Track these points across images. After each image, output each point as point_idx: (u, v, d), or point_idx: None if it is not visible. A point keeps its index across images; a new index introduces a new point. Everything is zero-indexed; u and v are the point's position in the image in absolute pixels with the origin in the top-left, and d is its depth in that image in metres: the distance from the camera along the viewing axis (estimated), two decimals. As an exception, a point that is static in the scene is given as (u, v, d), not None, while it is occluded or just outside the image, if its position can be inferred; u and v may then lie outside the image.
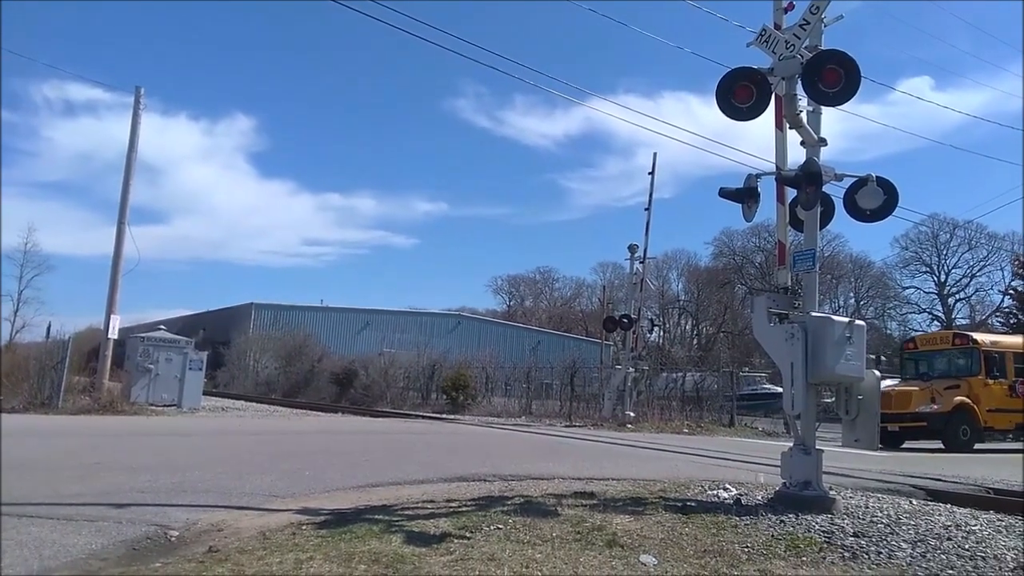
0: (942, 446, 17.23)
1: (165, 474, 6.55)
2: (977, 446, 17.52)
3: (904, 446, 17.62)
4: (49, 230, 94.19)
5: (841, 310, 50.87)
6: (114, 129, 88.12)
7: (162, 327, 22.72)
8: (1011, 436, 19.05)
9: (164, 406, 19.29)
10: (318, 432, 13.75)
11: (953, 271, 54.86)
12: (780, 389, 6.32)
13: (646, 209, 22.49)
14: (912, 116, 65.08)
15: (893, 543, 4.33)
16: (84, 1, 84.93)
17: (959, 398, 17.66)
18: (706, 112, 61.94)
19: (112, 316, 18.99)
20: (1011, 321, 33.73)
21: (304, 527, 4.43)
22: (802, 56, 5.59)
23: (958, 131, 61.50)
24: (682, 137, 55.77)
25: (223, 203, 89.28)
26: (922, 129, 75.44)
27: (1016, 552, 4.26)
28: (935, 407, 17.48)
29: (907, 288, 57.52)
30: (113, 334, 19.07)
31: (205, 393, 22.29)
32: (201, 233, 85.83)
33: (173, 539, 4.20)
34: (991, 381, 18.16)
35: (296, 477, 6.70)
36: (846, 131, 49.86)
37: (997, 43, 68.76)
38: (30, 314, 43.94)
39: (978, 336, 19.30)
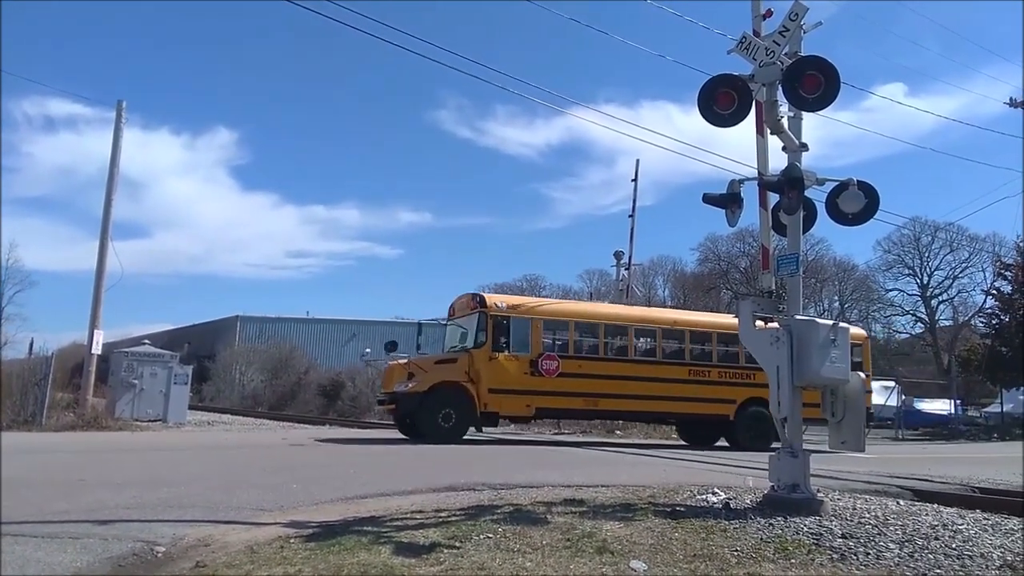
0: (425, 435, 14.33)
1: (151, 489, 6.48)
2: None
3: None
4: (31, 246, 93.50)
5: (826, 313, 51.11)
6: (95, 144, 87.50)
7: (146, 341, 22.57)
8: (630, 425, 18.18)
9: (149, 421, 19.12)
10: (305, 445, 13.66)
11: (936, 273, 55.34)
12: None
13: (630, 216, 22.68)
14: (887, 122, 65.88)
15: (881, 544, 4.35)
16: (62, 13, 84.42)
17: (443, 376, 14.64)
18: (686, 120, 62.36)
19: (96, 331, 18.83)
20: (993, 322, 34.03)
21: (292, 541, 4.39)
22: (782, 62, 5.64)
23: (932, 135, 62.26)
24: (663, 144, 55.94)
25: (206, 217, 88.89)
26: (898, 135, 76.37)
27: (1003, 550, 4.29)
28: (410, 385, 14.53)
29: (891, 291, 57.99)
30: (97, 349, 18.91)
31: (191, 407, 22.12)
32: (184, 247, 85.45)
33: (160, 555, 4.16)
34: (500, 355, 14.98)
35: (284, 490, 6.65)
36: (823, 138, 50.38)
37: (967, 45, 69.81)
38: (12, 331, 43.42)
39: (489, 297, 15.94)
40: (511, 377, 14.98)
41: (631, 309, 18.07)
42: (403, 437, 15.83)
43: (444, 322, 17.05)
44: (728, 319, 17.89)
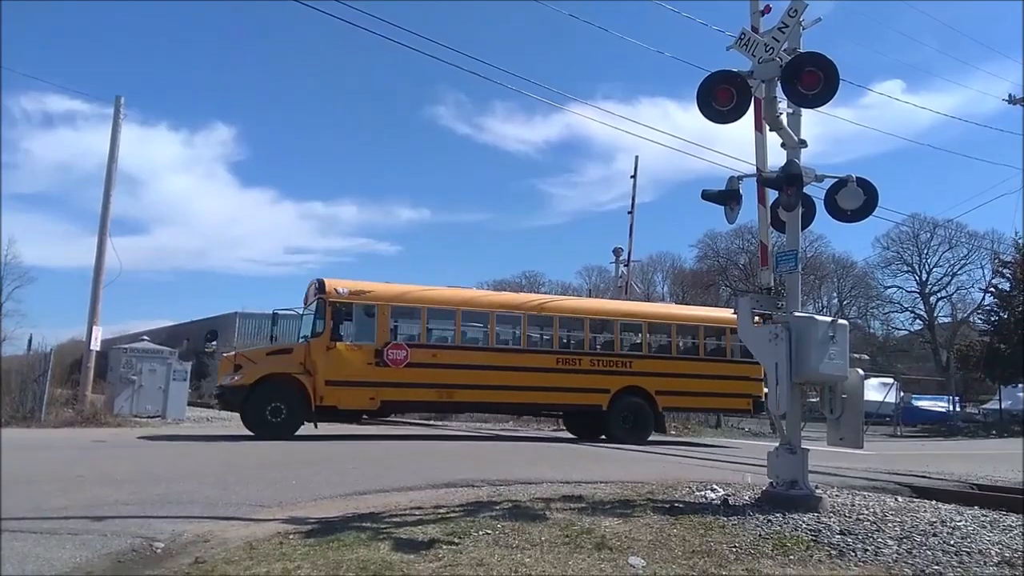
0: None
1: (150, 485, 6.48)
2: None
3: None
4: (29, 242, 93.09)
5: (824, 310, 51.16)
6: (93, 140, 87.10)
7: (145, 338, 22.51)
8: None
9: (148, 417, 19.09)
10: (304, 440, 13.66)
11: (934, 270, 55.31)
12: (766, 390, 6.36)
13: (629, 212, 22.64)
14: (886, 119, 65.77)
15: (879, 540, 4.35)
16: (60, 9, 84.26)
17: (272, 368, 13.71)
18: (684, 116, 62.32)
19: (94, 327, 18.83)
20: (992, 319, 34.07)
21: (291, 536, 4.40)
22: (781, 59, 5.63)
23: (930, 132, 62.29)
24: (661, 141, 55.98)
25: (204, 213, 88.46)
26: (896, 132, 76.40)
27: (1000, 547, 4.30)
28: (235, 378, 13.59)
29: (889, 287, 57.97)
30: (95, 345, 18.90)
31: (190, 403, 22.08)
32: (183, 243, 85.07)
33: (158, 551, 4.16)
34: (340, 344, 14.03)
35: (283, 486, 6.66)
36: (822, 135, 50.34)
37: (966, 42, 69.81)
38: (11, 327, 43.24)
39: (330, 282, 14.63)
40: (352, 368, 14.01)
41: (493, 295, 17.09)
42: (405, 434, 15.87)
43: (299, 311, 15.98)
44: (602, 304, 17.53)
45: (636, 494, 6.05)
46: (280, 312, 16.32)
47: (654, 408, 15.90)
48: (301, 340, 14.69)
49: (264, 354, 14.36)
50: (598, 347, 16.27)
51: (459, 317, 15.27)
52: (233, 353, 14.46)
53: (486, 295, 17.05)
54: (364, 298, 14.51)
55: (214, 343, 14.90)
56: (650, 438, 15.67)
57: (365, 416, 15.66)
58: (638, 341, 16.63)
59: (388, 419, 24.69)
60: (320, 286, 14.37)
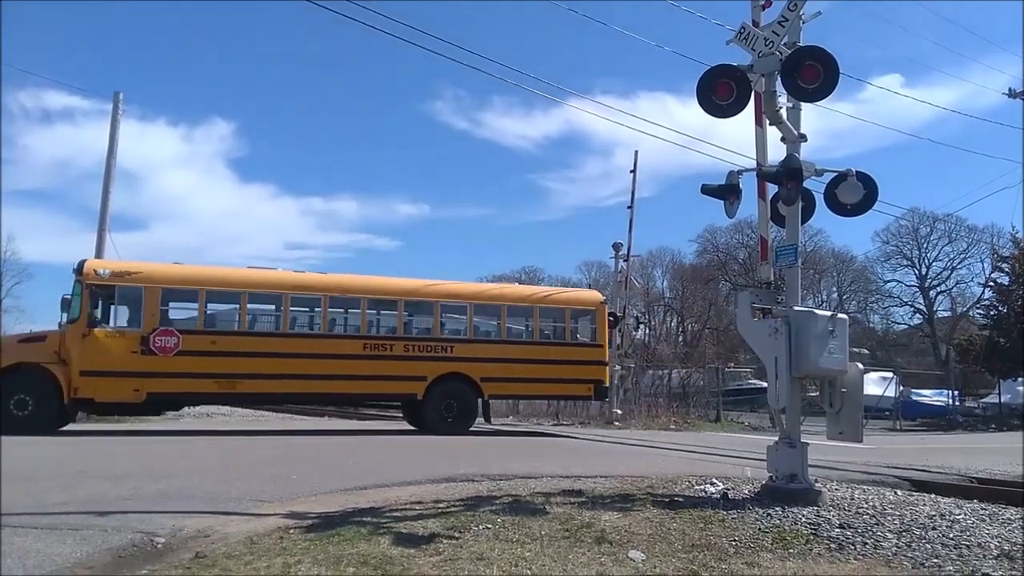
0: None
1: (150, 481, 6.49)
2: None
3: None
4: (28, 238, 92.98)
5: (824, 304, 51.23)
6: (92, 136, 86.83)
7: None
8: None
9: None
10: (305, 435, 13.69)
11: (934, 264, 55.41)
12: (765, 384, 6.36)
13: (629, 207, 22.60)
14: (885, 114, 65.78)
15: (879, 534, 4.36)
16: (58, 4, 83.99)
17: (20, 357, 12.56)
18: (683, 111, 62.04)
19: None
20: (992, 313, 34.10)
21: (292, 531, 4.40)
22: (781, 53, 5.62)
23: (930, 127, 62.25)
24: (661, 135, 55.90)
25: (203, 208, 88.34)
26: (895, 126, 76.33)
27: (1000, 540, 4.30)
28: None
29: (889, 282, 58.09)
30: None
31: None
32: (182, 239, 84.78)
33: (159, 546, 4.16)
34: (98, 331, 12.92)
35: (283, 481, 6.66)
36: (822, 129, 50.25)
37: (965, 36, 69.69)
38: (10, 323, 43.40)
39: (90, 263, 13.59)
40: (112, 357, 12.84)
41: (288, 274, 15.46)
42: (398, 428, 15.87)
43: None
44: (418, 284, 15.93)
45: (636, 488, 6.06)
46: (68, 297, 14.09)
47: (480, 396, 15.06)
48: (61, 327, 13.38)
49: (16, 341, 13.50)
50: (414, 331, 15.27)
51: (245, 300, 14.07)
52: None
53: (280, 275, 15.25)
54: (128, 280, 13.32)
55: None
56: (623, 429, 15.53)
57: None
58: (462, 324, 15.57)
59: (386, 414, 24.75)
60: (79, 267, 13.19)
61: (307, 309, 14.95)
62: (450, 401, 14.73)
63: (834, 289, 58.69)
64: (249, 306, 14.24)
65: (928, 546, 4.14)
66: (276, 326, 14.42)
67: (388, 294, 15.30)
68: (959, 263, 54.17)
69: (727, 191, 6.13)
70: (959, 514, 5.02)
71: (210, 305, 14.15)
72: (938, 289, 55.93)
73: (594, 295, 17.83)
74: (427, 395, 14.59)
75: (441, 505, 5.30)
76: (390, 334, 14.97)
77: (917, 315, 57.19)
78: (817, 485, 5.58)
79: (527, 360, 15.46)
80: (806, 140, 5.88)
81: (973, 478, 7.87)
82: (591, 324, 16.57)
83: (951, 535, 4.37)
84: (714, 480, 6.34)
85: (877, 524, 4.61)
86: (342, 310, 15.20)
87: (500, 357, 15.29)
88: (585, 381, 15.87)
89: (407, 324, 15.24)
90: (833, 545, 4.12)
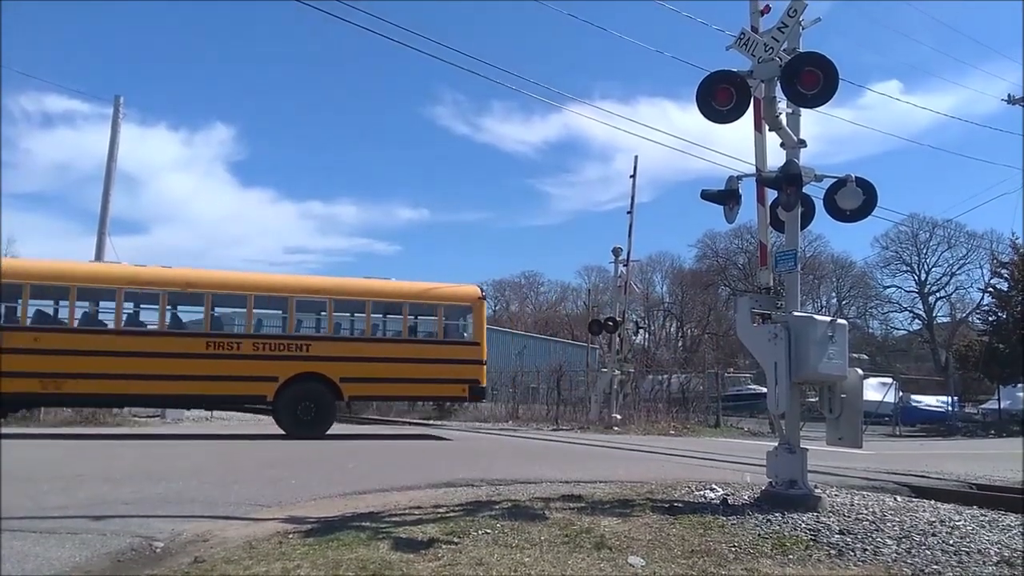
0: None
1: (149, 484, 6.49)
2: None
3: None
4: (28, 241, 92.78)
5: (823, 310, 51.27)
6: (92, 140, 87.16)
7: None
8: None
9: (148, 416, 19.10)
10: (304, 440, 13.66)
11: (933, 270, 55.48)
12: (765, 389, 6.36)
13: (628, 212, 22.57)
14: (884, 120, 65.90)
15: (879, 540, 4.36)
16: (59, 8, 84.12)
17: None
18: (682, 116, 62.33)
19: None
20: (991, 319, 34.08)
21: (291, 536, 4.40)
22: (780, 59, 5.63)
23: (929, 132, 62.42)
24: (660, 141, 56.09)
25: (203, 212, 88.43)
26: (895, 132, 76.54)
27: (1000, 547, 4.30)
28: None
29: (888, 287, 58.15)
30: (95, 345, 18.78)
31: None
32: (182, 242, 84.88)
33: (158, 550, 4.16)
34: None
35: (282, 485, 6.66)
36: (821, 135, 50.35)
37: (963, 42, 69.87)
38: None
39: None
40: None
41: (123, 267, 14.69)
42: (397, 433, 15.84)
43: None
44: (271, 279, 15.28)
45: (635, 493, 6.05)
46: None
47: (339, 397, 14.28)
48: None
49: None
50: (265, 329, 14.53)
51: (74, 295, 13.30)
52: None
53: (116, 268, 14.56)
54: None
55: None
56: (623, 435, 15.16)
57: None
58: (320, 321, 14.86)
59: (386, 418, 24.72)
60: None
61: (151, 306, 14.07)
62: (307, 403, 13.92)
63: (833, 294, 58.79)
64: (79, 302, 13.54)
65: (928, 552, 4.13)
66: (109, 323, 13.68)
67: (236, 289, 14.46)
68: (958, 269, 54.29)
69: (727, 196, 6.13)
70: (959, 520, 5.02)
71: (34, 300, 13.36)
72: (937, 295, 56.03)
73: (471, 290, 16.28)
74: (279, 397, 13.83)
75: (440, 510, 5.29)
76: (238, 332, 14.28)
77: (916, 321, 57.26)
78: (817, 491, 5.58)
79: (393, 359, 14.63)
80: (805, 146, 5.89)
81: (973, 484, 7.86)
82: (468, 321, 15.70)
83: (951, 541, 4.37)
84: (714, 486, 6.33)
85: (877, 530, 4.61)
86: (187, 307, 14.30)
87: (363, 356, 14.50)
88: (459, 381, 15.01)
89: (260, 321, 14.51)
90: (833, 551, 4.11)
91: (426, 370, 14.80)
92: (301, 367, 13.97)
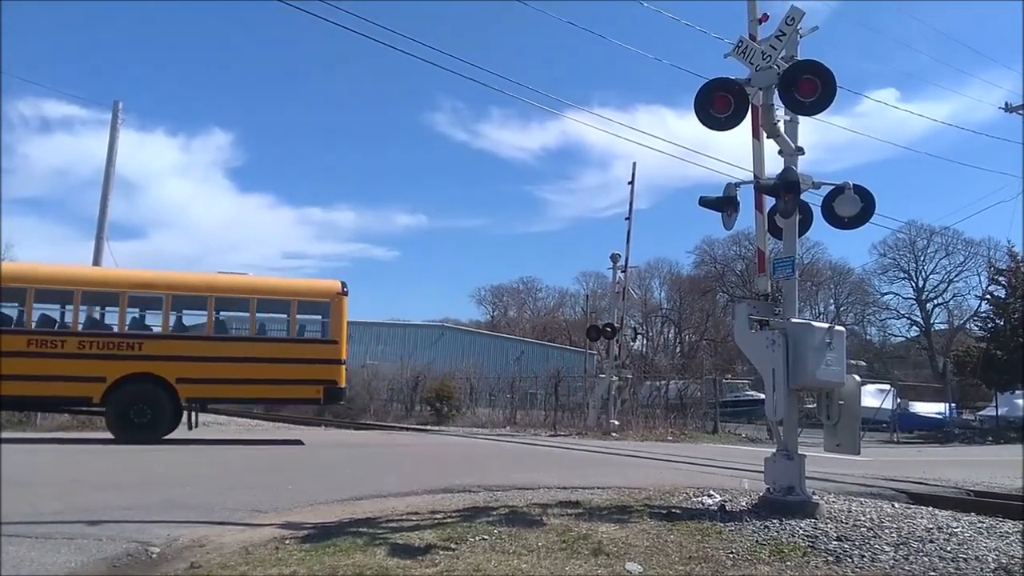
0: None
1: (146, 490, 6.47)
2: None
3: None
4: (27, 246, 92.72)
5: (821, 316, 51.26)
6: (90, 145, 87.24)
7: (142, 342, 22.33)
8: None
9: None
10: (300, 445, 13.63)
11: (931, 277, 55.60)
12: (763, 395, 6.36)
13: (627, 218, 22.57)
14: (881, 127, 66.11)
15: (876, 546, 4.35)
16: (58, 13, 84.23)
17: None
18: (681, 124, 62.38)
19: (91, 331, 18.67)
20: (988, 326, 34.12)
21: (287, 542, 4.39)
22: (778, 67, 5.65)
23: (926, 140, 62.62)
24: (658, 148, 56.17)
25: (201, 218, 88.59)
26: (892, 139, 76.78)
27: (997, 553, 4.30)
28: None
29: (886, 294, 58.27)
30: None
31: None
32: (179, 248, 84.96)
33: (154, 556, 4.14)
34: None
35: (279, 491, 6.64)
36: (818, 142, 50.47)
37: (960, 50, 70.14)
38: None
39: None
40: None
41: None
42: (394, 439, 15.80)
43: None
44: (100, 272, 14.59)
45: (633, 500, 6.04)
46: None
47: (177, 400, 13.38)
48: None
49: None
50: (92, 326, 13.69)
51: None
52: None
53: None
54: None
55: None
56: (621, 441, 15.30)
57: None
58: (156, 318, 13.94)
59: (383, 424, 24.68)
60: None
61: None
62: (140, 406, 13.07)
63: (831, 301, 58.87)
64: None
65: (926, 559, 4.13)
66: None
67: (63, 284, 13.57)
68: (956, 276, 54.42)
69: (725, 203, 6.15)
70: (957, 527, 5.01)
71: None
72: (935, 302, 56.13)
73: (330, 285, 15.11)
74: (107, 398, 12.97)
75: (437, 516, 5.28)
76: (63, 329, 13.36)
77: (914, 327, 57.38)
78: (815, 497, 5.57)
79: (238, 359, 13.76)
80: (803, 153, 5.91)
81: (970, 491, 7.86)
82: (325, 318, 14.63)
83: (948, 548, 4.36)
84: (711, 492, 6.33)
85: (874, 537, 4.60)
86: (9, 303, 13.39)
87: (203, 356, 13.65)
88: (314, 382, 14.10)
89: (88, 319, 13.78)
90: (831, 558, 4.11)
91: (275, 370, 13.88)
92: (132, 367, 13.18)
